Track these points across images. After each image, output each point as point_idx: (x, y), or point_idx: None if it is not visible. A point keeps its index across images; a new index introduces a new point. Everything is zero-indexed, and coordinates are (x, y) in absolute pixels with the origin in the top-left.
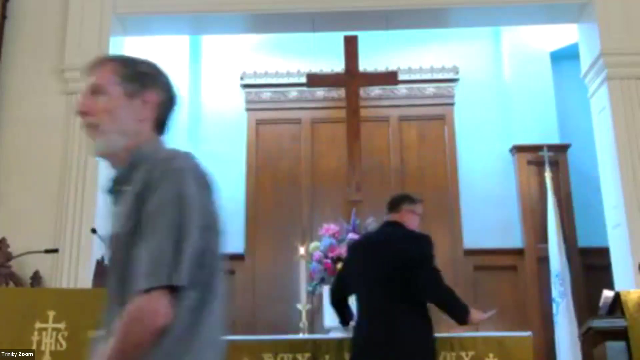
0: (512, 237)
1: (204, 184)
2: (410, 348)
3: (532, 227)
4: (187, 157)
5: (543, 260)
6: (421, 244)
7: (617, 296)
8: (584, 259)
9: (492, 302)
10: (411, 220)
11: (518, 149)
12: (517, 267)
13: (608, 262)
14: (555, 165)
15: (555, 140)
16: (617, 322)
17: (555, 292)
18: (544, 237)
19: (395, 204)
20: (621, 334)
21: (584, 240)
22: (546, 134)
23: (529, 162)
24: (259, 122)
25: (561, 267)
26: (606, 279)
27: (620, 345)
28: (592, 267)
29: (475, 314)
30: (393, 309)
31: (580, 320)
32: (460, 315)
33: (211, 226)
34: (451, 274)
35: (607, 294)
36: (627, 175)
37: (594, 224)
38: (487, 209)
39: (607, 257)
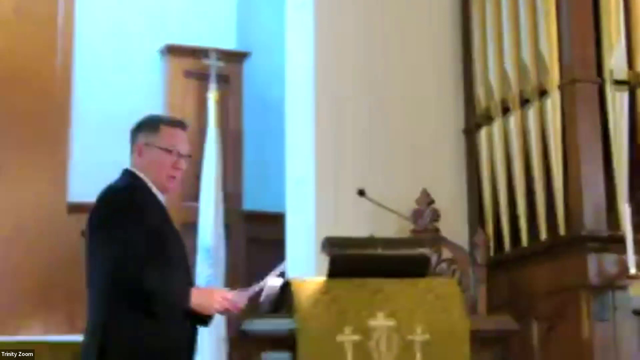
0: None
1: None
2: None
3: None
4: None
5: (189, 228)
6: (98, 204)
7: (286, 286)
8: (251, 229)
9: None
10: (148, 163)
11: (172, 51)
12: None
13: (284, 235)
14: (224, 82)
15: (230, 45)
16: (281, 325)
17: (202, 273)
18: (194, 192)
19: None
20: (286, 342)
21: (253, 201)
22: (218, 36)
23: (187, 74)
24: None
25: (215, 239)
26: (281, 260)
27: (282, 357)
28: (262, 242)
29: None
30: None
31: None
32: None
33: None
34: (49, 238)
35: (272, 282)
36: (325, 107)
37: (272, 178)
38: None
39: (284, 227)
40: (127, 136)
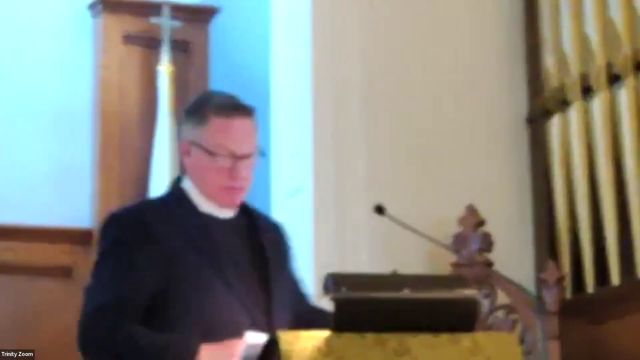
0: (58, 203)
1: None
2: None
3: (116, 182)
4: None
5: None
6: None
7: (273, 345)
8: None
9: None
10: (195, 168)
11: (107, 6)
12: (74, 268)
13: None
14: (183, 50)
15: None
16: None
17: None
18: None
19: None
20: None
21: None
22: None
23: (129, 38)
24: None
25: None
26: None
27: None
28: None
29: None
30: None
31: None
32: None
33: None
34: None
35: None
36: (325, 91)
37: (252, 188)
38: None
39: None
40: (42, 126)
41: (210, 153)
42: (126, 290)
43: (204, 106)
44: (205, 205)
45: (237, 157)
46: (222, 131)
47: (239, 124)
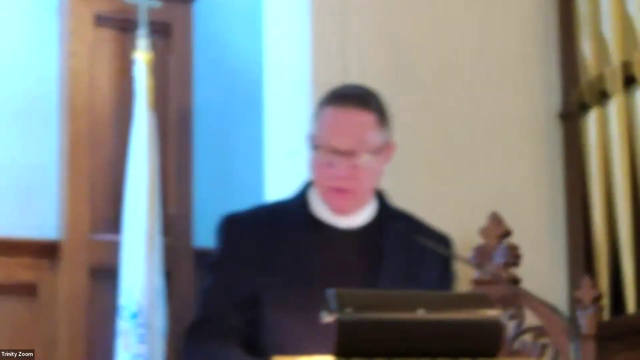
0: (20, 210)
1: None
2: None
3: (86, 188)
4: None
5: (103, 277)
6: None
7: None
8: (205, 275)
9: None
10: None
11: None
12: (38, 285)
13: None
14: (163, 33)
15: None
16: None
17: (127, 353)
18: (112, 218)
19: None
20: None
21: (210, 232)
22: None
23: (100, 20)
24: None
25: (147, 297)
26: None
27: None
28: None
29: None
30: None
31: None
32: None
33: None
34: None
35: None
36: (329, 80)
37: (240, 192)
38: None
39: None
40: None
41: (314, 146)
42: (218, 306)
43: (324, 98)
44: (322, 211)
45: (336, 152)
46: (327, 122)
47: (343, 113)
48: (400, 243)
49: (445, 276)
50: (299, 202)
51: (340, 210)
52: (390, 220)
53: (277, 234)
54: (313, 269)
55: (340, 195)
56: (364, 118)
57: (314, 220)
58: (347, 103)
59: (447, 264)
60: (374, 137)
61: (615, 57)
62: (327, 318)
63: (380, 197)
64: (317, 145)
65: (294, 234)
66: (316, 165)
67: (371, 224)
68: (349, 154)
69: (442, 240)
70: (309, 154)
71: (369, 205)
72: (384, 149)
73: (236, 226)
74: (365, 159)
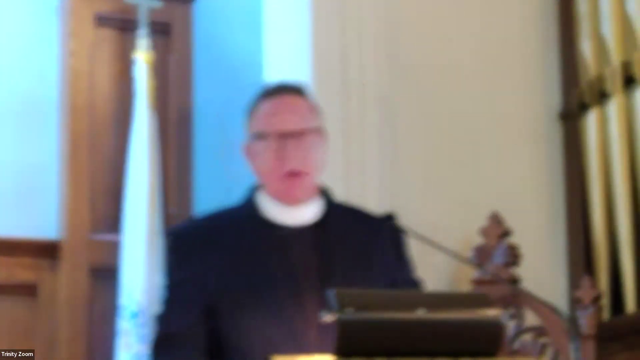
0: (20, 210)
1: None
2: None
3: (86, 188)
4: None
5: (104, 277)
6: None
7: None
8: None
9: None
10: (251, 163)
11: None
12: (38, 285)
13: None
14: (163, 33)
15: None
16: None
17: (128, 352)
18: (112, 216)
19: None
20: None
21: None
22: None
23: (100, 20)
24: None
25: (148, 297)
26: None
27: None
28: None
29: None
30: None
31: None
32: None
33: None
34: None
35: None
36: (331, 80)
37: (242, 191)
38: None
39: None
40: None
41: (258, 136)
42: (178, 320)
43: (255, 99)
44: (273, 211)
45: (285, 135)
46: (267, 111)
47: (282, 100)
48: (348, 234)
49: (399, 253)
50: (248, 206)
51: (294, 198)
52: (337, 213)
53: (228, 240)
54: (269, 269)
55: (294, 181)
56: (302, 102)
57: (264, 222)
58: (282, 92)
59: (397, 242)
60: (315, 120)
61: (615, 57)
62: (328, 318)
63: (325, 193)
64: (262, 134)
65: (245, 238)
66: (265, 156)
67: (321, 220)
68: (297, 134)
69: (387, 219)
70: (252, 152)
71: (316, 200)
72: (323, 135)
73: (183, 239)
74: (312, 138)
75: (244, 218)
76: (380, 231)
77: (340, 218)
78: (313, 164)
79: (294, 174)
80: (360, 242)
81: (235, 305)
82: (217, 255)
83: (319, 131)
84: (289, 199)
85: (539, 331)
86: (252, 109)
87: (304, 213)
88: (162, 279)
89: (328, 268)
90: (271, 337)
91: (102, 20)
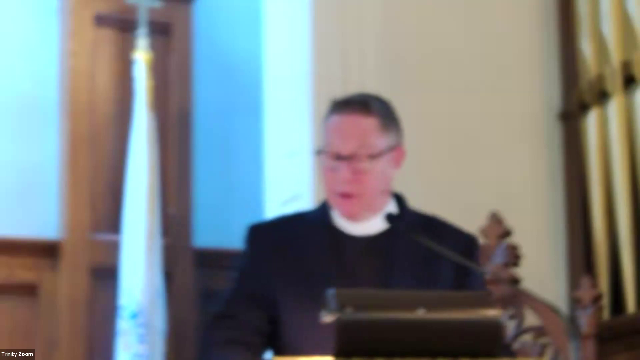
0: (20, 210)
1: None
2: None
3: (86, 188)
4: None
5: (103, 277)
6: None
7: None
8: (207, 277)
9: None
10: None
11: None
12: (39, 285)
13: None
14: (163, 33)
15: None
16: None
17: (127, 353)
18: (111, 217)
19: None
20: None
21: (211, 233)
22: None
23: (99, 20)
24: None
25: (147, 297)
26: None
27: None
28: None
29: None
30: None
31: None
32: None
33: None
34: None
35: None
36: (330, 79)
37: (241, 193)
38: None
39: None
40: (2, 124)
41: (318, 152)
42: (238, 303)
43: (328, 110)
44: (339, 221)
45: (338, 157)
46: (331, 128)
47: (345, 119)
48: (412, 247)
49: (461, 277)
50: (320, 212)
51: (349, 215)
52: (409, 223)
53: (296, 242)
54: (327, 274)
55: (346, 200)
56: (366, 122)
57: (331, 228)
58: (348, 109)
59: (462, 266)
60: (376, 141)
61: (615, 57)
62: (327, 318)
63: (399, 201)
64: (321, 151)
65: (311, 242)
66: (323, 172)
67: (388, 230)
68: (350, 158)
69: (462, 241)
70: (320, 162)
71: (384, 211)
72: (389, 153)
73: (259, 234)
74: (366, 163)
75: (316, 224)
76: (453, 247)
77: (410, 228)
78: (367, 185)
79: (345, 195)
80: (426, 254)
81: (294, 304)
82: (286, 256)
83: (379, 152)
84: (344, 216)
85: (539, 331)
86: (324, 120)
87: (366, 227)
88: (236, 262)
89: (386, 278)
90: (316, 336)
91: (102, 20)
